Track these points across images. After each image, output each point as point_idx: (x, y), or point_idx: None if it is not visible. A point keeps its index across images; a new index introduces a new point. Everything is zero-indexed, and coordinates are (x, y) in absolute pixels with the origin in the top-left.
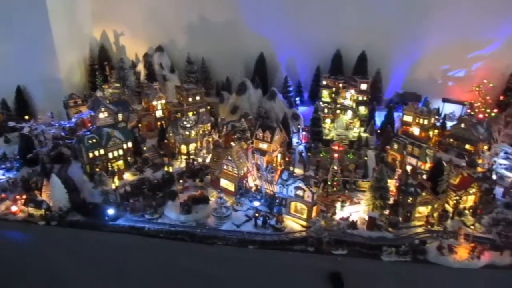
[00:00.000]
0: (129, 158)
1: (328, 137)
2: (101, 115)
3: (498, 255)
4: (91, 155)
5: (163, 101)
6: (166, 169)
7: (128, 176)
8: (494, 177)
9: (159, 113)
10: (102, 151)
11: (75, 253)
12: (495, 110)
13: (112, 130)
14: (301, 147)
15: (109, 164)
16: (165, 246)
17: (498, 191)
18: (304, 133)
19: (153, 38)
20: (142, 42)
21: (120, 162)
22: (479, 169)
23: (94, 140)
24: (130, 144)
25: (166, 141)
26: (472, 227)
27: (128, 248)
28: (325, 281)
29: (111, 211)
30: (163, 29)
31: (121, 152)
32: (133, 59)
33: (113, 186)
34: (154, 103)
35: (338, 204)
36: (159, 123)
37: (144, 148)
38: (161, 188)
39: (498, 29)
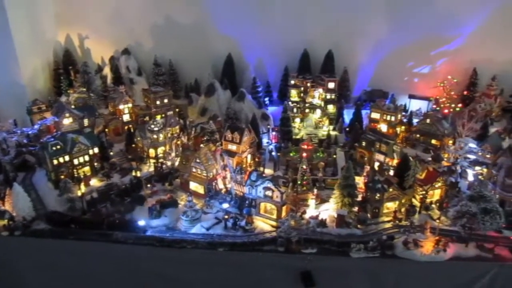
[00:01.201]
0: (95, 163)
1: (298, 136)
2: (66, 121)
3: (464, 247)
4: (55, 162)
5: (130, 105)
6: (134, 173)
7: (95, 182)
8: (459, 170)
9: (126, 117)
10: (67, 158)
11: (40, 262)
12: (460, 105)
13: (77, 136)
14: (271, 147)
15: (75, 170)
16: (133, 252)
17: (464, 184)
18: (274, 133)
19: (119, 40)
20: (108, 45)
21: (86, 168)
22: (444, 163)
23: (58, 147)
24: (96, 150)
25: (134, 145)
26: (437, 220)
27: (95, 255)
28: (296, 280)
29: (142, 223)
30: (129, 31)
31: (87, 158)
32: (99, 62)
33: (79, 193)
34: (121, 107)
35: (312, 202)
36: (126, 127)
37: (111, 153)
38: (129, 193)
39: (460, 25)
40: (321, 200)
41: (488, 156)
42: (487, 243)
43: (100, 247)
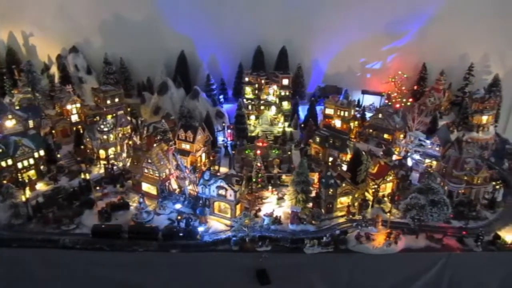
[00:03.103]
0: (42, 167)
1: (253, 134)
2: (8, 123)
3: (414, 238)
4: None
5: (79, 105)
6: (82, 176)
7: (41, 186)
8: (409, 163)
9: (74, 118)
10: (10, 162)
11: None
12: (410, 100)
13: (20, 138)
14: (224, 141)
15: (19, 174)
16: (82, 257)
17: (415, 177)
18: (229, 131)
19: (66, 38)
20: (55, 43)
21: (32, 172)
22: (396, 157)
23: (0, 150)
24: (42, 152)
25: (83, 146)
26: (388, 213)
27: (44, 262)
28: (251, 279)
29: (201, 229)
30: (77, 29)
31: (32, 161)
32: (45, 61)
33: (23, 198)
34: (68, 107)
35: (274, 198)
36: (75, 128)
37: (59, 156)
38: (78, 197)
39: (409, 22)
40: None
41: (437, 148)
42: (436, 233)
43: (47, 253)
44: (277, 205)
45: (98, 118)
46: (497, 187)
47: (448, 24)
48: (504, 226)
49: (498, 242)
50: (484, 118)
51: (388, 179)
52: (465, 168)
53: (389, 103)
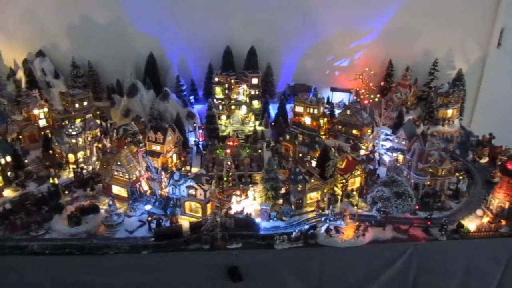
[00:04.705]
0: (9, 173)
1: (225, 133)
2: None
3: (382, 230)
4: None
5: (46, 109)
6: (51, 181)
7: (8, 193)
8: (377, 158)
9: (42, 122)
10: None
11: None
12: (378, 96)
13: None
14: (196, 141)
15: None
16: (51, 262)
17: (382, 170)
18: (200, 131)
19: (32, 42)
20: (20, 48)
21: None
22: (364, 151)
23: None
24: (9, 158)
25: (51, 151)
26: (355, 207)
27: (9, 270)
28: (223, 276)
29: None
30: (43, 32)
31: None
32: (11, 66)
33: None
34: (36, 112)
35: (234, 198)
36: (43, 133)
37: (26, 161)
38: (46, 202)
39: (374, 19)
40: (246, 195)
41: (403, 142)
42: (403, 225)
43: (14, 261)
44: (254, 200)
45: (66, 122)
46: (461, 178)
47: (412, 21)
48: (467, 215)
49: (461, 230)
50: (449, 112)
51: (356, 174)
52: (430, 160)
53: (358, 100)
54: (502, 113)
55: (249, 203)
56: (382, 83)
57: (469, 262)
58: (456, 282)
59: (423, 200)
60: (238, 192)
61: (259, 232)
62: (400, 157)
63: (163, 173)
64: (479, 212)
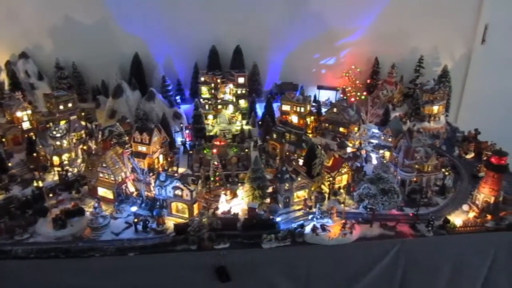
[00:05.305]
0: None
1: (212, 133)
2: None
3: (369, 227)
4: None
5: (30, 112)
6: (35, 184)
7: None
8: (364, 155)
9: (26, 125)
10: None
11: None
12: (365, 93)
13: None
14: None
15: None
16: (36, 266)
17: (370, 168)
18: (187, 131)
19: (15, 44)
20: (3, 49)
21: None
22: (350, 149)
23: None
24: None
25: (35, 154)
26: (343, 204)
27: None
28: (211, 277)
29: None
30: (26, 34)
31: None
32: None
33: None
34: (19, 114)
35: (223, 197)
36: (27, 136)
37: (10, 164)
38: (31, 205)
39: (360, 17)
40: (234, 195)
41: (389, 139)
42: (390, 221)
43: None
44: (226, 203)
45: (51, 124)
46: (446, 173)
47: (398, 18)
48: (454, 210)
49: (447, 226)
50: (435, 108)
51: (343, 171)
52: (416, 157)
53: (344, 98)
54: (487, 108)
55: (238, 202)
56: (368, 81)
57: (456, 257)
58: (443, 277)
59: (410, 197)
60: (228, 192)
61: (279, 229)
62: (387, 154)
63: (150, 174)
64: (465, 207)
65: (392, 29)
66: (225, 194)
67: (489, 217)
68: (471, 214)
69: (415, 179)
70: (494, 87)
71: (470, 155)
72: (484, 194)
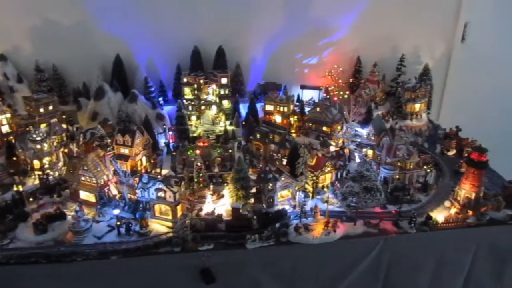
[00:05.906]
0: None
1: (195, 134)
2: None
3: (353, 225)
4: None
5: (9, 115)
6: (15, 188)
7: None
8: (347, 154)
9: (5, 128)
10: None
11: None
12: (347, 92)
13: None
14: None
15: None
16: (17, 272)
17: (353, 166)
18: (170, 132)
19: None
20: None
21: None
22: (334, 148)
23: None
24: None
25: (15, 158)
26: (326, 203)
27: None
28: (195, 278)
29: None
30: (4, 36)
31: None
32: None
33: None
34: None
35: (209, 198)
36: (6, 139)
37: None
38: (11, 210)
39: (342, 17)
40: (219, 195)
41: (372, 138)
42: (373, 219)
43: None
44: (213, 203)
45: (31, 127)
46: (428, 171)
47: (379, 17)
48: (436, 207)
49: (430, 222)
50: (417, 106)
51: (326, 170)
52: (398, 154)
53: (327, 97)
54: (468, 105)
55: (224, 202)
56: (351, 80)
57: (439, 253)
58: (426, 273)
59: (392, 194)
60: (214, 192)
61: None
62: (370, 152)
63: (132, 176)
64: (447, 203)
65: (373, 28)
66: (211, 195)
67: (470, 213)
68: (453, 210)
69: (397, 176)
70: (474, 84)
71: (452, 152)
72: (465, 190)
